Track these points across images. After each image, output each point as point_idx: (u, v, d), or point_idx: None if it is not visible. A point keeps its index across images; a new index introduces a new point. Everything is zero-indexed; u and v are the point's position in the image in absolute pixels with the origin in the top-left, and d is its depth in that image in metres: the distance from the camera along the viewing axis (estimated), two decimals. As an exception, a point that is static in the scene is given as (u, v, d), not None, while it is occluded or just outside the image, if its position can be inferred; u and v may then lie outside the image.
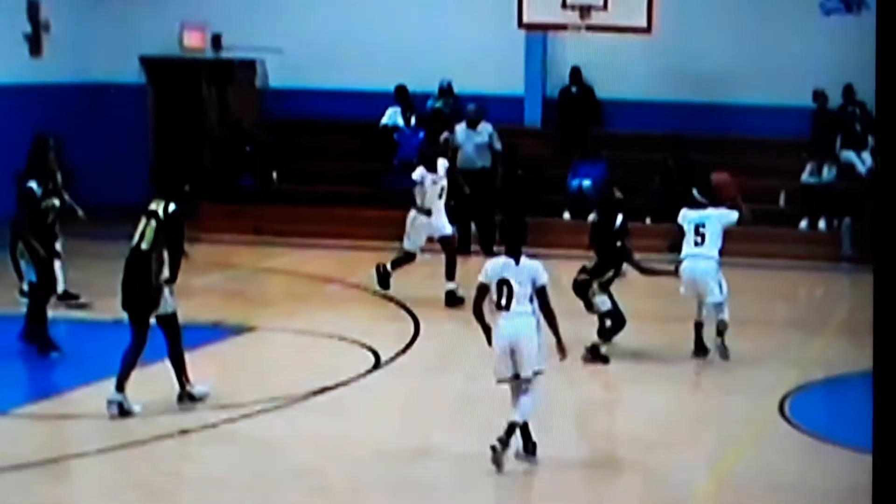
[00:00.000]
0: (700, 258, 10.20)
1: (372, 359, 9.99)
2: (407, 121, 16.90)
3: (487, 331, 7.48)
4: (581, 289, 10.16)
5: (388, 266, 12.30)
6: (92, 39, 17.72)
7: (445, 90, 17.26)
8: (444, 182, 12.16)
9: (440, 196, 12.15)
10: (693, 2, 16.53)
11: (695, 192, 10.71)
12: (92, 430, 8.32)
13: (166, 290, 8.44)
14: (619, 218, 10.33)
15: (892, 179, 3.28)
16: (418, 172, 12.06)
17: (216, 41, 17.97)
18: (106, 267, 12.60)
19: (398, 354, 10.11)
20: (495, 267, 7.51)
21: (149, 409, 8.48)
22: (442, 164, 12.19)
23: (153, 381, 9.32)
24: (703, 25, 16.69)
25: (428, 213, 12.03)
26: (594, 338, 10.15)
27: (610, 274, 10.19)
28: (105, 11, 17.80)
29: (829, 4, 16.65)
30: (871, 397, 4.08)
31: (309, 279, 13.75)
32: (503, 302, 7.41)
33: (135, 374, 9.37)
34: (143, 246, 8.38)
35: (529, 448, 7.53)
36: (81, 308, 11.39)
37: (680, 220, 10.44)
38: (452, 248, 12.22)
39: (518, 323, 7.40)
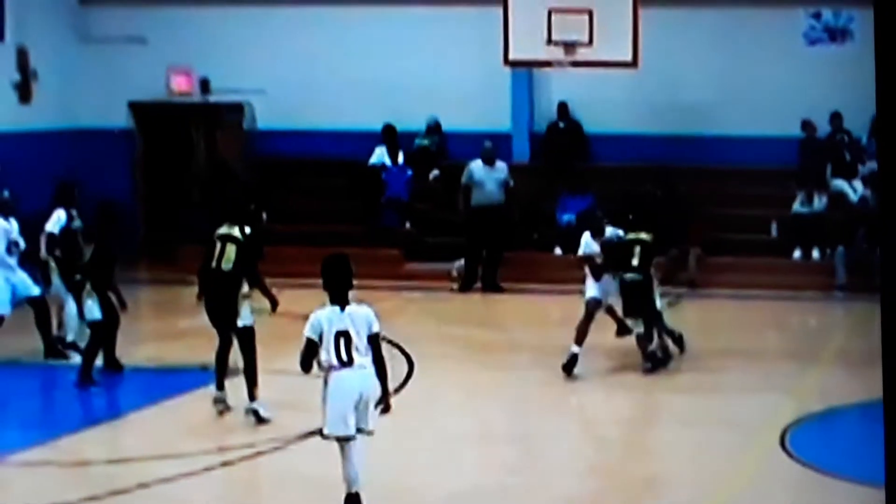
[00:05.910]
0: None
1: (364, 399, 9.85)
2: (394, 159, 16.87)
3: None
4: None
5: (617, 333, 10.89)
6: (80, 86, 17.70)
7: (433, 128, 17.25)
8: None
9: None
10: (678, 34, 16.56)
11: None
12: (79, 478, 8.17)
13: (245, 305, 9.10)
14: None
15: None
16: (586, 238, 10.64)
17: (204, 85, 17.95)
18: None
19: (392, 394, 9.95)
20: (321, 318, 6.66)
21: (134, 456, 8.35)
22: (612, 231, 10.77)
23: (134, 429, 9.21)
24: (688, 57, 16.71)
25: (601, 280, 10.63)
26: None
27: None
28: (92, 58, 17.78)
29: (814, 34, 16.69)
30: (870, 428, 3.96)
31: (297, 319, 13.58)
32: (344, 357, 6.61)
33: (117, 423, 9.39)
34: (225, 266, 9.06)
35: None
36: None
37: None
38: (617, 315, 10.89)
39: (364, 375, 6.68)
